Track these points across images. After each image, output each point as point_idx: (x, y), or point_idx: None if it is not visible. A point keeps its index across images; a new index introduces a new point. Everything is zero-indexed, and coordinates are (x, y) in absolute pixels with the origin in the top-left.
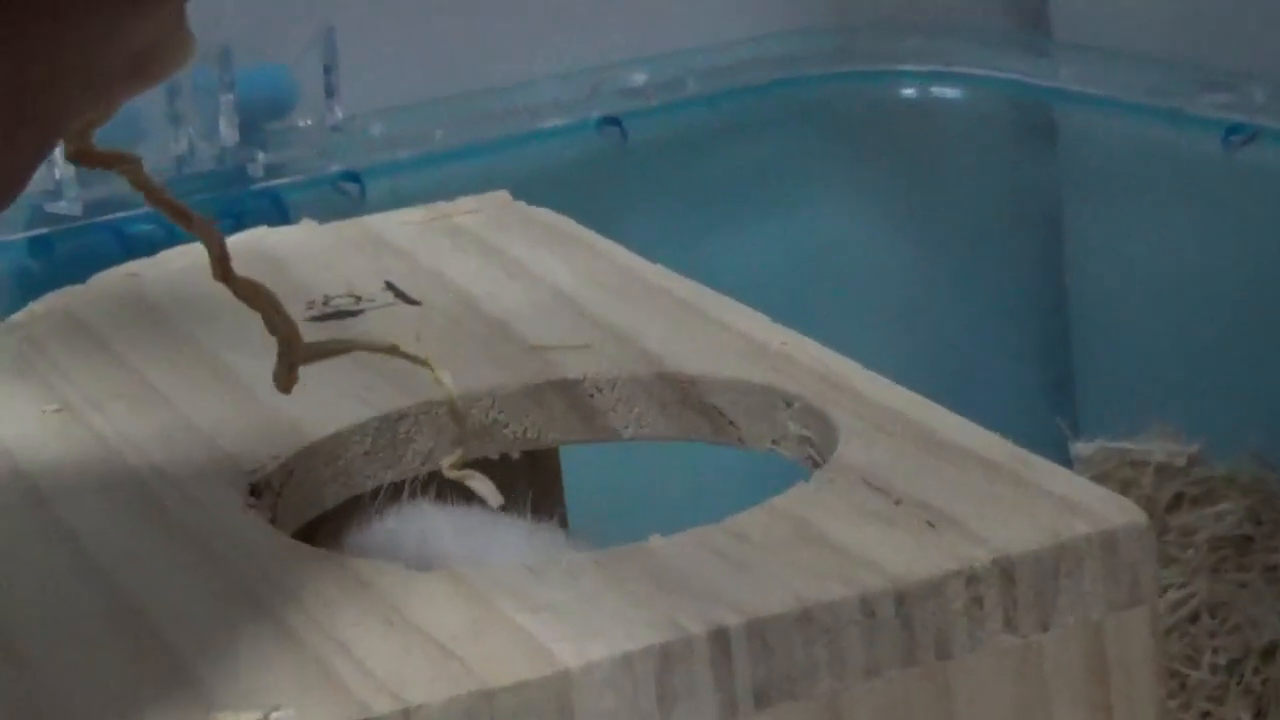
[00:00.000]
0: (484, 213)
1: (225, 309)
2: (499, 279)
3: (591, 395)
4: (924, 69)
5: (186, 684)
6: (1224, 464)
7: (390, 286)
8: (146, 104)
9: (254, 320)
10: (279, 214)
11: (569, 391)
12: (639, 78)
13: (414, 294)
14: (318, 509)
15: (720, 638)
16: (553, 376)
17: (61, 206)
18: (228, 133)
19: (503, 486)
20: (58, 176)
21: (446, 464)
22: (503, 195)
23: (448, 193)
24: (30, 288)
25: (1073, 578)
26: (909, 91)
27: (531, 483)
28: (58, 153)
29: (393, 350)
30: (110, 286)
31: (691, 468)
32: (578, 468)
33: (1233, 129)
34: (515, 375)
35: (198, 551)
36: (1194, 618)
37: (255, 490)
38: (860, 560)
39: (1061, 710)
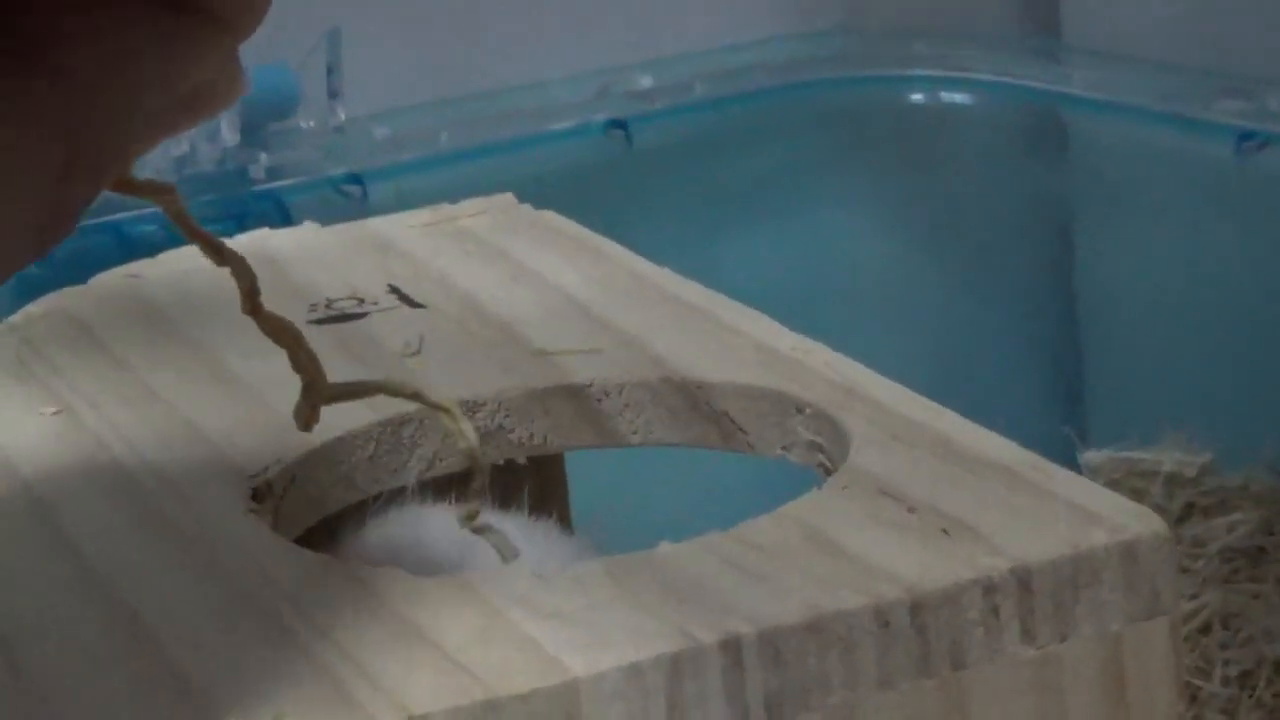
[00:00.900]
0: (489, 215)
1: (226, 311)
2: (504, 282)
3: (599, 400)
4: (934, 74)
5: (187, 692)
6: (1236, 474)
7: (394, 290)
8: None
9: (255, 323)
10: (281, 216)
11: (576, 396)
12: (645, 81)
13: (418, 297)
14: (320, 514)
15: (732, 647)
16: (559, 381)
17: None
18: (230, 134)
19: (507, 492)
20: None
21: (464, 517)
22: (508, 198)
23: (451, 195)
24: (29, 289)
25: (1091, 588)
26: (919, 96)
27: (537, 488)
28: None
29: (415, 397)
30: (110, 288)
31: (700, 474)
32: (583, 473)
33: (1245, 135)
34: (521, 380)
35: (198, 556)
36: (1206, 629)
37: (257, 494)
38: (874, 569)
39: None
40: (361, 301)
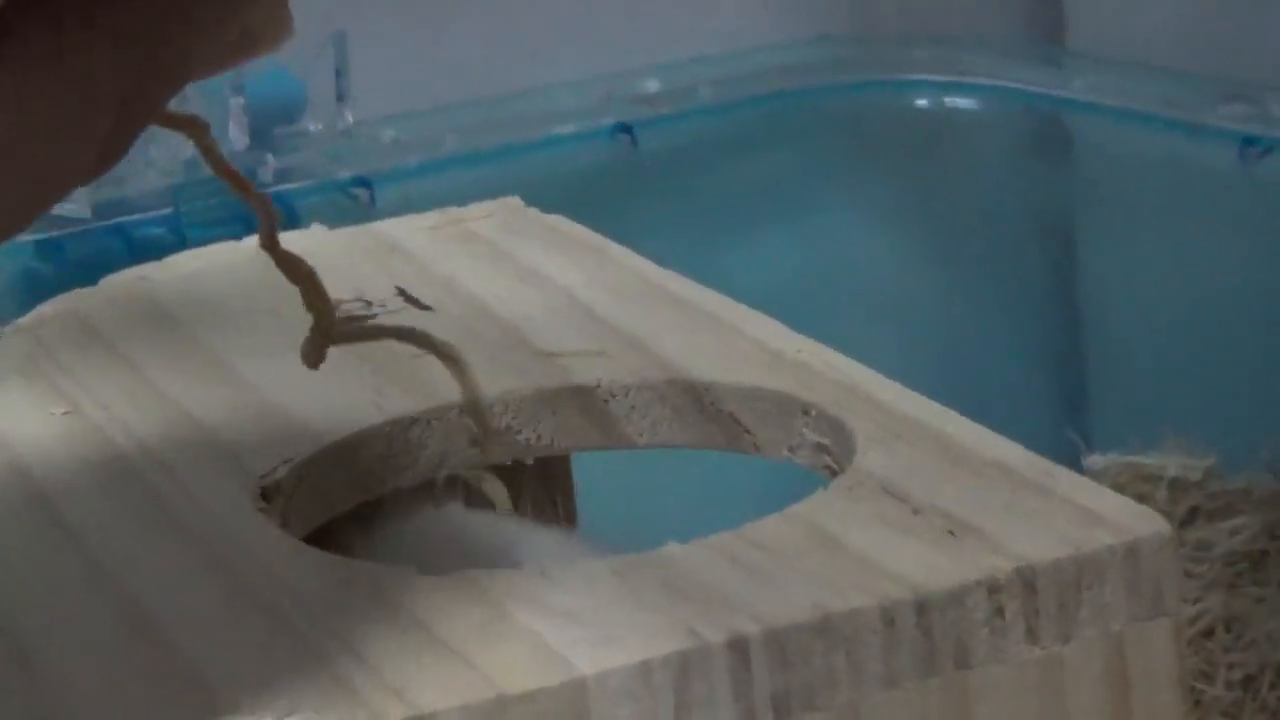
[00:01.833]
0: (496, 218)
1: (235, 312)
2: (512, 285)
3: (605, 402)
4: (938, 78)
5: (197, 689)
6: (1240, 478)
7: (401, 292)
8: None
9: (265, 323)
10: (288, 219)
11: (583, 398)
12: (652, 86)
13: (426, 300)
14: (329, 513)
15: (739, 646)
16: (566, 383)
17: (70, 209)
18: (237, 137)
19: (514, 493)
20: None
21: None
22: (515, 201)
23: (458, 199)
24: (38, 290)
25: (1095, 589)
26: (923, 101)
27: (543, 489)
28: None
29: (423, 341)
30: (120, 289)
31: (706, 475)
32: (590, 475)
33: (1249, 141)
34: (528, 381)
35: (208, 556)
36: (1209, 633)
37: (266, 494)
38: (880, 569)
39: None
40: (369, 304)
